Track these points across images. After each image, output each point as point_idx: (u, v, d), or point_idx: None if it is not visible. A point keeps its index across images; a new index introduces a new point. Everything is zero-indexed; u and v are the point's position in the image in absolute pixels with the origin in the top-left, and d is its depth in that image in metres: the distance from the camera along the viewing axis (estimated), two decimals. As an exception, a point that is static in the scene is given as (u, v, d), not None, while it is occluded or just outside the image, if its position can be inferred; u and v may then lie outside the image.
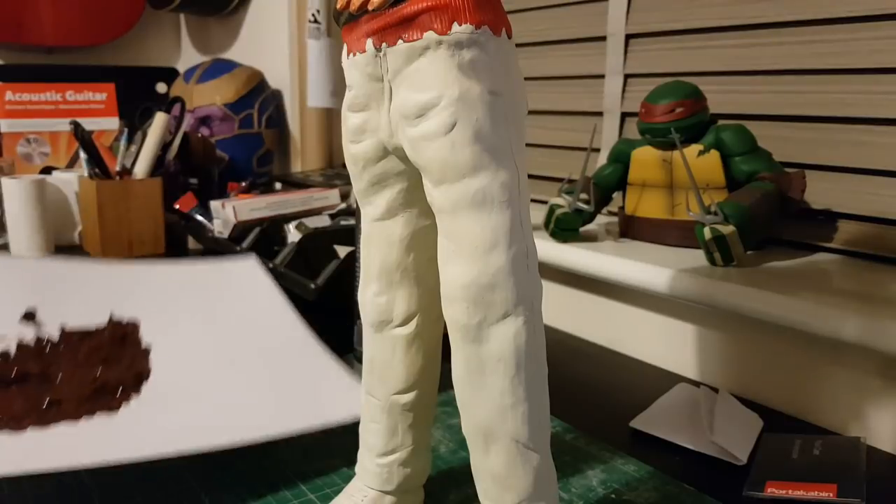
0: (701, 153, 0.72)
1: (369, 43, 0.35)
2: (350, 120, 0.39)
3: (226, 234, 1.03)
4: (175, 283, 0.62)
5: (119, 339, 0.52)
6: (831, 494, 0.47)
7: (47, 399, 0.46)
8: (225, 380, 0.52)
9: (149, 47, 1.97)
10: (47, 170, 1.35)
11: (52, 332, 0.55)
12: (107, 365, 0.47)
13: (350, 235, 0.92)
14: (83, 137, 1.12)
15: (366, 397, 0.43)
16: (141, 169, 1.18)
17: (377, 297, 0.41)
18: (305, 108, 1.43)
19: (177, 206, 1.18)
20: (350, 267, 0.79)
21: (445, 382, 0.49)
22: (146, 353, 0.47)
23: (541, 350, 0.36)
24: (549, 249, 0.79)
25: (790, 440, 0.56)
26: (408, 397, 0.42)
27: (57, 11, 1.69)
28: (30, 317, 0.56)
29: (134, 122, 1.57)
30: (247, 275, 0.66)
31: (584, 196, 0.78)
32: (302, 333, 0.60)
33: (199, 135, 1.41)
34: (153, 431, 0.46)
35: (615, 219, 0.90)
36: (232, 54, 1.77)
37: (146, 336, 0.47)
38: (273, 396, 0.51)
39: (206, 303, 0.60)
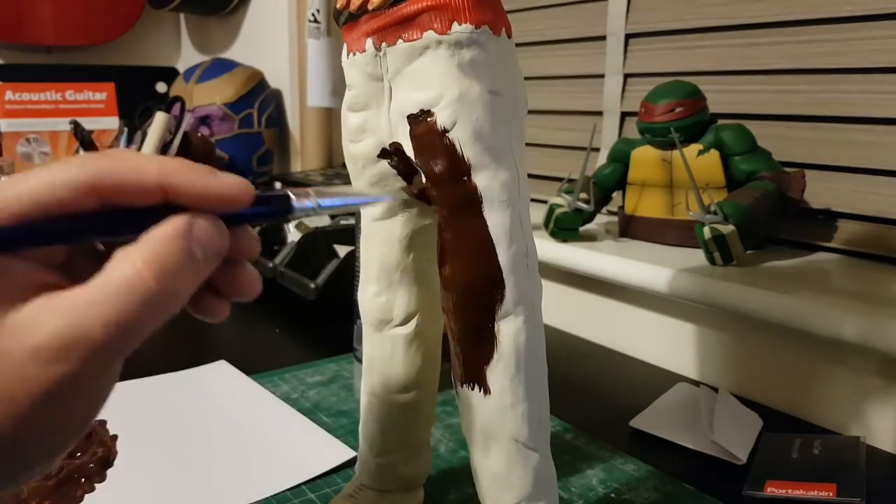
0: (700, 153, 0.72)
1: (369, 42, 0.35)
2: (350, 119, 0.39)
3: (226, 234, 1.03)
4: (145, 393, 0.63)
5: (85, 436, 0.51)
6: (831, 494, 0.47)
7: None
8: (197, 457, 0.52)
9: (149, 47, 1.97)
10: (47, 169, 1.34)
11: None
12: (69, 457, 0.46)
13: (350, 235, 0.92)
14: (83, 137, 1.12)
15: (366, 397, 0.43)
16: (141, 168, 1.18)
17: (377, 296, 0.41)
18: (305, 108, 1.43)
19: (177, 206, 1.18)
20: (350, 267, 0.79)
21: (445, 382, 0.48)
22: (113, 438, 0.46)
23: (541, 349, 0.36)
24: (549, 249, 0.79)
25: (790, 440, 0.56)
26: (407, 397, 0.42)
27: (57, 11, 1.69)
28: None
29: (134, 121, 1.57)
30: (219, 376, 0.67)
31: (583, 196, 0.78)
32: (280, 409, 0.61)
33: (199, 134, 1.41)
34: None
35: (615, 218, 0.89)
36: (232, 54, 1.77)
37: (114, 430, 0.47)
38: (248, 466, 0.51)
39: (177, 403, 0.62)
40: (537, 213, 0.82)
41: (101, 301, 0.21)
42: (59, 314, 0.21)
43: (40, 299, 0.21)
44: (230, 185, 0.24)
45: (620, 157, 0.79)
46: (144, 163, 0.23)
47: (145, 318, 0.22)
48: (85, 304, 0.21)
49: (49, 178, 0.22)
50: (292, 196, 0.25)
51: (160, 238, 0.22)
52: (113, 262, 0.22)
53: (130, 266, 0.22)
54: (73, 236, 0.22)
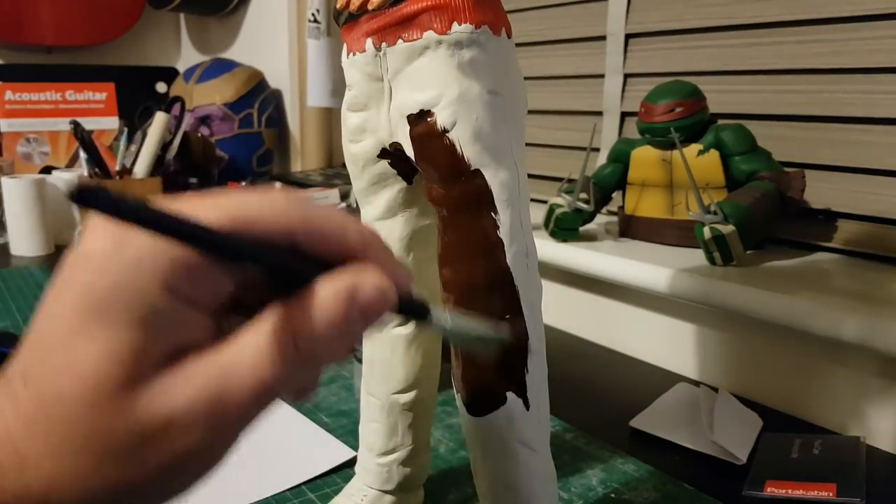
0: (700, 153, 0.72)
1: (369, 42, 0.35)
2: (350, 119, 0.39)
3: (226, 234, 1.03)
4: None
5: None
6: (831, 494, 0.47)
7: None
8: None
9: (149, 47, 1.97)
10: (47, 169, 1.35)
11: None
12: None
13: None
14: (83, 137, 1.12)
15: (366, 397, 0.43)
16: (141, 169, 1.18)
17: (377, 296, 0.41)
18: (305, 108, 1.43)
19: (177, 206, 1.18)
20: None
21: (445, 382, 0.49)
22: None
23: (540, 349, 0.36)
24: (549, 249, 0.79)
25: (790, 440, 0.56)
26: (407, 396, 0.42)
27: (57, 11, 1.69)
28: None
29: (134, 121, 1.57)
30: None
31: (583, 196, 0.78)
32: (280, 409, 0.60)
33: (199, 134, 1.41)
34: None
35: (615, 218, 0.89)
36: (232, 54, 1.77)
37: None
38: (248, 467, 0.51)
39: None
40: (537, 213, 0.82)
41: (249, 366, 0.20)
42: (202, 379, 0.20)
43: (188, 361, 0.20)
44: (404, 271, 0.24)
45: (620, 157, 0.79)
46: (350, 224, 0.22)
47: (288, 383, 0.21)
48: (231, 368, 0.20)
49: (269, 207, 0.21)
50: (432, 310, 0.25)
51: (323, 301, 0.21)
52: (266, 322, 0.21)
53: (286, 331, 0.20)
54: (267, 263, 0.21)
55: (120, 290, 0.20)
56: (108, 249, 0.20)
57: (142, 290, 0.20)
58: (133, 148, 1.20)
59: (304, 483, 0.49)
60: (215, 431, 0.20)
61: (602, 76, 0.91)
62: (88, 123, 1.38)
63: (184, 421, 0.20)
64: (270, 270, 0.21)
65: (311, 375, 0.22)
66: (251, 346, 0.20)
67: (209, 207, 0.21)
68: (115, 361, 0.19)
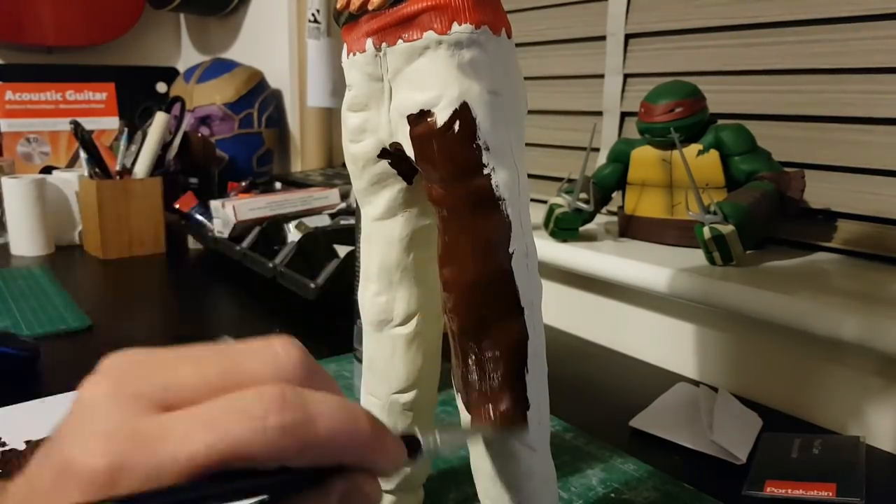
0: (700, 153, 0.72)
1: (369, 43, 0.35)
2: (350, 120, 0.39)
3: (226, 234, 1.03)
4: None
5: None
6: (830, 493, 0.47)
7: None
8: None
9: (149, 47, 1.97)
10: (47, 169, 1.35)
11: (16, 444, 0.54)
12: None
13: (350, 235, 0.92)
14: (83, 137, 1.12)
15: (366, 397, 0.44)
16: (141, 169, 1.18)
17: (377, 296, 0.41)
18: (305, 108, 1.43)
19: (177, 206, 1.18)
20: (350, 266, 0.79)
21: (445, 382, 0.49)
22: None
23: (541, 349, 0.36)
24: (549, 249, 0.79)
25: (789, 439, 0.56)
26: (408, 396, 0.42)
27: (57, 11, 1.69)
28: None
29: (134, 121, 1.57)
30: None
31: (583, 196, 0.78)
32: None
33: (199, 134, 1.41)
34: None
35: (615, 218, 0.90)
36: (232, 54, 1.77)
37: None
38: None
39: None
40: (537, 213, 0.82)
41: None
42: None
43: None
44: (398, 453, 0.24)
45: (620, 157, 0.79)
46: (346, 435, 0.22)
47: None
48: None
49: (247, 436, 0.20)
50: (422, 442, 0.26)
51: None
52: None
53: None
54: (238, 498, 0.21)
55: None
56: None
57: None
58: (133, 148, 1.20)
59: (305, 483, 0.49)
60: None
61: (602, 76, 0.92)
62: (89, 123, 1.38)
63: None
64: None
65: None
66: None
67: (195, 435, 0.20)
68: None
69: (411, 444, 0.25)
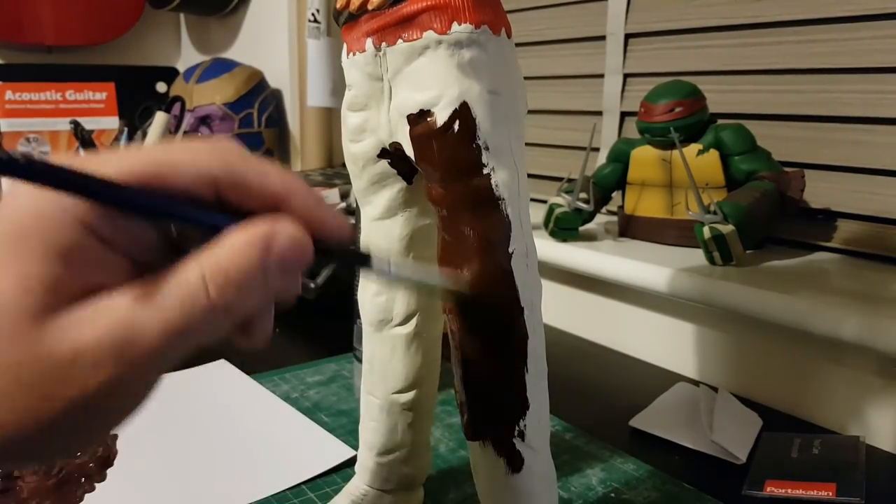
0: (700, 152, 0.72)
1: (369, 42, 0.35)
2: (350, 119, 0.39)
3: (226, 234, 1.03)
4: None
5: None
6: (830, 493, 0.47)
7: None
8: (197, 457, 0.52)
9: (149, 47, 1.97)
10: (47, 169, 1.34)
11: None
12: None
13: (350, 235, 0.92)
14: (83, 137, 1.12)
15: (366, 396, 0.44)
16: (141, 168, 1.18)
17: (377, 296, 0.41)
18: (305, 108, 1.43)
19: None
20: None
21: (445, 381, 0.49)
22: (114, 437, 0.46)
23: (541, 349, 0.36)
24: (549, 249, 0.79)
25: (789, 439, 0.56)
26: (407, 396, 0.42)
27: (57, 11, 1.69)
28: None
29: (134, 121, 1.57)
30: (219, 375, 0.67)
31: (583, 195, 0.78)
32: (280, 408, 0.61)
33: (199, 134, 1.41)
34: None
35: (614, 218, 0.89)
36: (232, 54, 1.77)
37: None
38: (248, 465, 0.51)
39: (177, 402, 0.61)
40: (537, 213, 0.82)
41: (159, 308, 0.20)
42: (112, 316, 0.20)
43: (100, 298, 0.20)
44: (337, 217, 0.23)
45: (620, 157, 0.79)
46: (271, 171, 0.23)
47: (202, 330, 0.21)
48: (141, 308, 0.20)
49: (191, 158, 0.21)
50: (373, 255, 0.25)
51: (235, 248, 0.21)
52: (182, 267, 0.21)
53: (198, 276, 0.20)
54: (175, 217, 0.21)
55: (36, 222, 0.20)
56: (29, 189, 0.20)
57: (59, 223, 0.20)
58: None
59: (305, 482, 0.49)
60: (124, 369, 0.20)
61: (602, 76, 0.92)
62: (88, 123, 1.38)
63: (91, 356, 0.19)
64: (182, 223, 0.21)
65: (228, 324, 0.22)
66: (162, 289, 0.20)
67: (125, 160, 0.21)
68: (27, 291, 0.19)
69: (365, 256, 0.25)
